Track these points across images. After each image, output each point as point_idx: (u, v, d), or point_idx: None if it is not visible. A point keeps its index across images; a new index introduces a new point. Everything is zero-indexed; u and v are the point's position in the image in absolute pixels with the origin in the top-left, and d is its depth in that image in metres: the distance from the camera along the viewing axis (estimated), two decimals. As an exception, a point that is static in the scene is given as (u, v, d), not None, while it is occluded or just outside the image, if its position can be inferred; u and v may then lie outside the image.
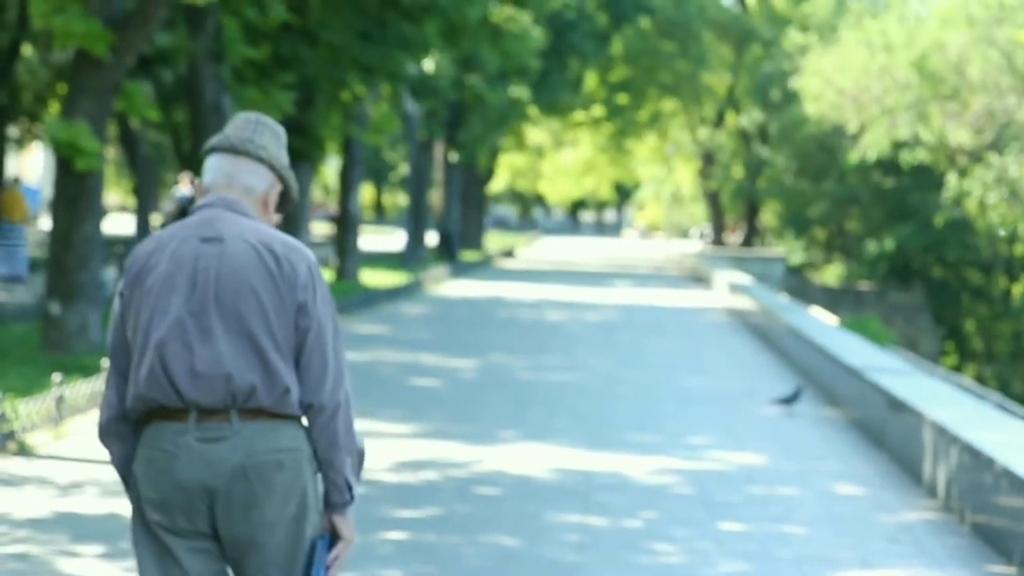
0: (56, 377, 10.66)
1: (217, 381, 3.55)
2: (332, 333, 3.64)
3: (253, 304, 3.58)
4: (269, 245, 3.63)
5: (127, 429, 3.69)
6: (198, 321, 3.57)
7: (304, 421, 3.66)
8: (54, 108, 31.22)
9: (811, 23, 53.13)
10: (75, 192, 14.86)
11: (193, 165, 20.18)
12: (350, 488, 3.68)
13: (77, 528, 7.61)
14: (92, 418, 11.14)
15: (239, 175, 3.73)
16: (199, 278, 3.59)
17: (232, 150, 3.74)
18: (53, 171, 15.10)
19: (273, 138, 3.77)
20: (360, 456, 3.70)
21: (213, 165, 3.75)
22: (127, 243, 38.94)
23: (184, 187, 10.97)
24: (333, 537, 3.70)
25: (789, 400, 13.42)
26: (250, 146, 3.73)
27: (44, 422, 10.27)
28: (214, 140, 3.78)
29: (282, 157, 3.79)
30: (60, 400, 10.49)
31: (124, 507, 8.12)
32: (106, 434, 3.72)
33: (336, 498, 3.68)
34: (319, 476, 3.70)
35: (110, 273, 18.44)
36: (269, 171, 3.75)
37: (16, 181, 24.27)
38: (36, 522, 7.72)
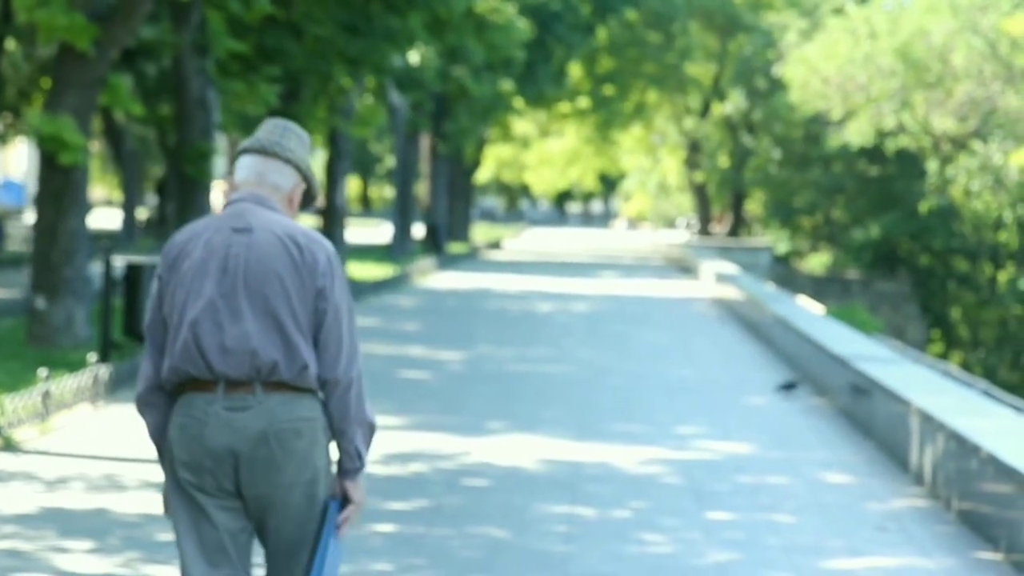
0: (42, 372, 10.64)
1: (244, 356, 3.96)
2: (347, 316, 4.06)
3: (277, 288, 3.99)
4: (293, 236, 4.04)
5: (161, 399, 4.09)
6: (228, 302, 3.99)
7: (320, 395, 4.07)
8: (38, 102, 31.13)
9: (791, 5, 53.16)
10: (60, 186, 14.82)
11: (179, 159, 20.12)
12: (360, 456, 4.10)
13: (65, 523, 7.59)
14: (78, 413, 11.13)
15: (268, 174, 4.15)
16: (230, 264, 4.01)
17: (263, 151, 4.15)
18: (38, 166, 15.06)
19: (299, 143, 4.19)
20: (371, 428, 4.13)
21: (245, 164, 4.17)
22: (113, 237, 38.87)
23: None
24: (344, 500, 4.10)
25: (789, 387, 13.78)
26: (279, 148, 4.15)
27: (30, 417, 10.25)
28: (246, 143, 4.18)
29: (306, 159, 4.20)
30: (46, 395, 10.47)
31: (112, 502, 8.12)
32: (143, 403, 4.11)
33: (348, 465, 4.10)
34: (332, 444, 4.10)
35: (96, 268, 18.40)
36: (295, 171, 4.17)
37: None
38: (23, 518, 7.70)
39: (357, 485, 4.12)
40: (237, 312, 3.98)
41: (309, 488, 4.01)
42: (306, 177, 4.20)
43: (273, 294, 3.98)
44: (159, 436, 4.12)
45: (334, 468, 4.13)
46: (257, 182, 4.14)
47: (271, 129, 4.18)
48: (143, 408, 4.12)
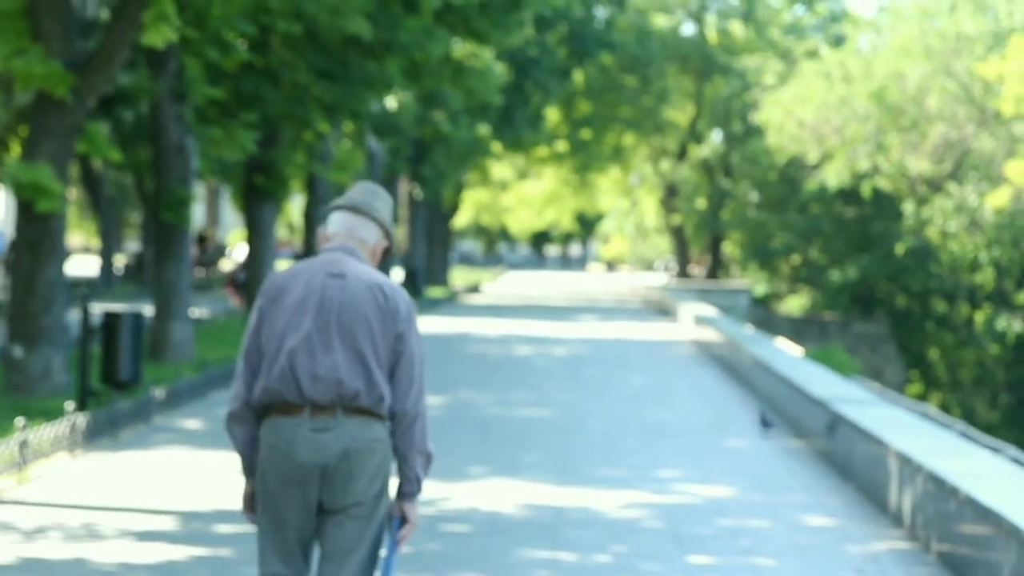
0: (19, 421, 10.58)
1: (331, 384, 4.63)
2: (419, 359, 4.75)
3: (364, 328, 4.68)
4: (380, 286, 4.74)
5: (251, 415, 4.74)
6: (322, 336, 4.66)
7: (388, 424, 4.70)
8: (15, 150, 31.09)
9: (768, 49, 53.52)
10: (37, 235, 14.79)
11: (157, 206, 20.11)
12: (419, 481, 4.75)
13: (43, 573, 7.55)
14: (56, 462, 11.06)
15: (357, 229, 4.85)
16: (326, 304, 4.68)
17: (354, 210, 4.86)
18: (15, 214, 15.02)
19: (385, 204, 4.90)
20: (429, 458, 4.76)
21: (337, 219, 4.86)
22: (90, 284, 38.73)
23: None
24: (402, 520, 4.73)
25: (766, 424, 14.05)
26: (368, 208, 4.86)
27: (7, 467, 10.19)
28: (339, 201, 4.89)
29: (390, 219, 4.89)
30: (23, 444, 10.41)
31: (90, 552, 8.07)
32: (235, 419, 4.74)
33: (407, 488, 4.76)
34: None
35: (73, 315, 18.33)
36: (379, 229, 4.87)
37: None
38: (1, 568, 7.65)
39: (414, 507, 4.77)
40: (329, 345, 4.65)
41: (375, 501, 4.67)
42: (388, 235, 4.89)
43: (360, 333, 4.66)
44: (247, 447, 4.75)
45: (392, 491, 4.74)
46: (347, 235, 4.83)
47: (362, 191, 4.89)
48: (234, 423, 4.74)
